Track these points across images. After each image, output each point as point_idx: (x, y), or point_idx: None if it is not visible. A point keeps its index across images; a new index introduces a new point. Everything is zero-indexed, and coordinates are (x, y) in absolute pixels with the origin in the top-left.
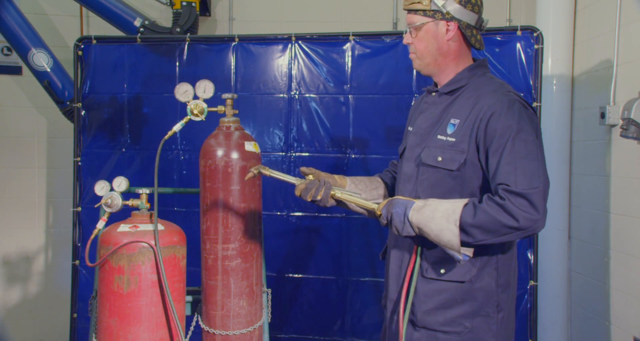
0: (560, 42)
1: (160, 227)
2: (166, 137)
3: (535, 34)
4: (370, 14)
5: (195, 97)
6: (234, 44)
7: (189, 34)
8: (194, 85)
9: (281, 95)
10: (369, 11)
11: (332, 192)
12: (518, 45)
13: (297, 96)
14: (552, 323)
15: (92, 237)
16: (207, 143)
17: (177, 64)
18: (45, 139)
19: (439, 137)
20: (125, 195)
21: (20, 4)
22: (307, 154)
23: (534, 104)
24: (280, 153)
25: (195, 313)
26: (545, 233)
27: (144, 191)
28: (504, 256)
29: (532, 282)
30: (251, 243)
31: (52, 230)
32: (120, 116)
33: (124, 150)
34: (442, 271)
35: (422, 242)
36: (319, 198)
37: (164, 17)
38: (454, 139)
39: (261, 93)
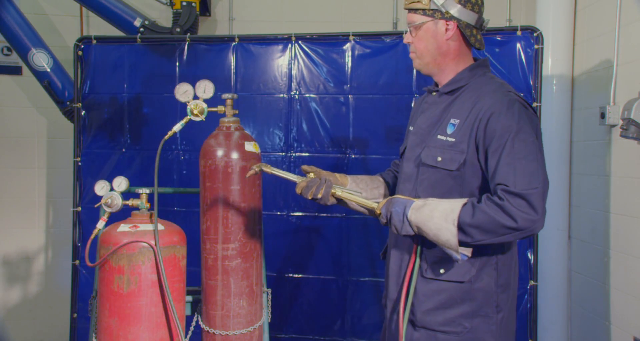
0: (560, 42)
1: (160, 227)
2: (166, 137)
3: (535, 34)
4: (370, 14)
5: (195, 97)
6: (234, 44)
7: (189, 34)
8: (194, 85)
9: (281, 95)
10: (369, 11)
11: (332, 191)
12: (518, 45)
13: (297, 96)
14: (552, 323)
15: (92, 237)
16: (207, 143)
17: (177, 64)
18: (45, 139)
19: (438, 136)
20: (125, 195)
21: (20, 4)
22: (307, 154)
23: (534, 104)
24: (280, 153)
25: (195, 313)
26: (545, 233)
27: (144, 191)
28: (503, 257)
29: (532, 282)
30: (251, 243)
31: (52, 230)
32: (120, 116)
33: (124, 150)
34: (442, 271)
35: (422, 242)
36: (319, 196)
37: (164, 17)
38: (453, 139)
39: (261, 94)
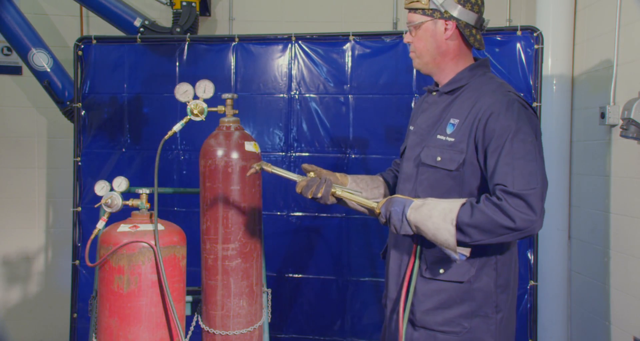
0: (560, 42)
1: (160, 227)
2: (166, 137)
3: (535, 34)
4: (370, 14)
5: (195, 97)
6: (234, 44)
7: (189, 34)
8: (194, 85)
9: (281, 95)
10: (369, 11)
11: (332, 190)
12: (518, 45)
13: (297, 96)
14: (552, 323)
15: (92, 237)
16: (207, 143)
17: (177, 64)
18: (45, 139)
19: (438, 136)
20: (125, 195)
21: (20, 4)
22: (307, 154)
23: (534, 104)
24: (280, 153)
25: (195, 313)
26: (545, 233)
27: (144, 191)
28: (503, 257)
29: (532, 282)
30: (251, 243)
31: (52, 230)
32: (120, 116)
33: (124, 150)
34: (441, 271)
35: (422, 242)
36: (319, 195)
37: (164, 17)
38: (453, 139)
39: (261, 94)
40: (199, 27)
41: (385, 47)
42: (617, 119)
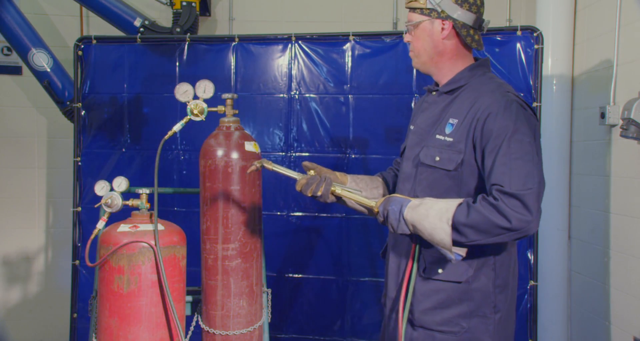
0: (560, 42)
1: (160, 227)
2: (166, 137)
3: (535, 34)
4: (370, 14)
5: (195, 97)
6: (234, 44)
7: (189, 34)
8: (194, 85)
9: (281, 95)
10: (369, 11)
11: (332, 188)
12: (518, 45)
13: (297, 96)
14: (552, 323)
15: (92, 237)
16: (207, 143)
17: (177, 64)
18: (45, 139)
19: (437, 136)
20: (125, 195)
21: (20, 4)
22: (307, 154)
23: (534, 104)
24: (280, 153)
25: (195, 313)
26: (545, 233)
27: (144, 191)
28: (501, 257)
29: (532, 282)
30: (251, 243)
31: (52, 230)
32: (120, 116)
33: (124, 150)
34: (440, 271)
35: (420, 242)
36: (319, 193)
37: (164, 17)
38: (451, 139)
39: (261, 94)
40: (199, 27)
41: (385, 47)
42: (617, 119)
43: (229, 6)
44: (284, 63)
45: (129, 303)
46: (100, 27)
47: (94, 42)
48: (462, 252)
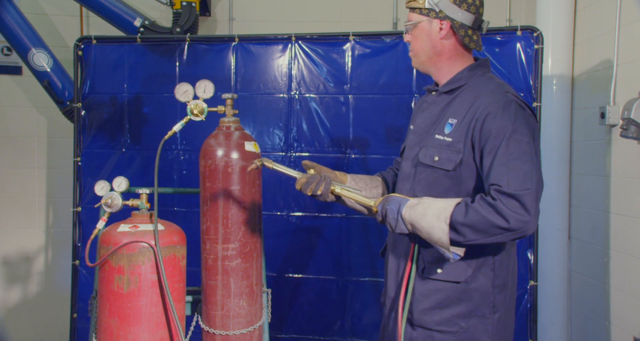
0: (560, 42)
1: (160, 227)
2: (166, 137)
3: (535, 34)
4: (370, 14)
5: (195, 97)
6: (234, 44)
7: (189, 34)
8: (194, 85)
9: (281, 95)
10: (369, 11)
11: (332, 187)
12: (518, 45)
13: (297, 96)
14: (552, 323)
15: (92, 237)
16: (207, 143)
17: (177, 64)
18: (45, 139)
19: (436, 136)
20: (125, 195)
21: (20, 4)
22: (307, 154)
23: (534, 104)
24: (280, 153)
25: (195, 313)
26: (545, 233)
27: (144, 191)
28: (500, 258)
29: (532, 282)
30: (251, 243)
31: (52, 230)
32: (120, 116)
33: (124, 150)
34: (439, 271)
35: (419, 241)
36: (319, 192)
37: (164, 17)
38: (450, 139)
39: (261, 93)
40: (199, 27)
41: (385, 47)
42: (617, 119)
43: (229, 6)
44: (284, 63)
45: (129, 303)
46: (100, 27)
47: (94, 42)
48: (460, 251)
